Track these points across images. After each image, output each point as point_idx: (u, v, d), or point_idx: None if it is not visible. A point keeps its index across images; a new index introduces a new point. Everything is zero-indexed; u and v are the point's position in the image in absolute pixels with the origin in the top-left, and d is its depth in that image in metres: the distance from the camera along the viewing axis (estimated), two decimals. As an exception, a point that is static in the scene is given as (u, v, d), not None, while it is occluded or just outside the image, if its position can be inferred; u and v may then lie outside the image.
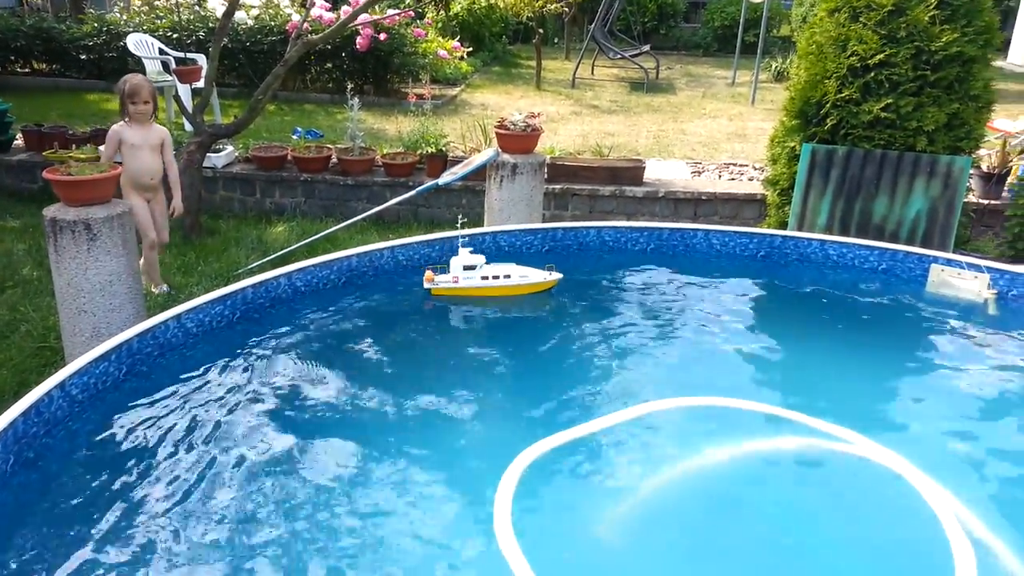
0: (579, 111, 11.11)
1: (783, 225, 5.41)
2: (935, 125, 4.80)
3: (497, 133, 5.41)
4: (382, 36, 10.18)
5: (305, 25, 6.87)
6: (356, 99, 7.27)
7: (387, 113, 10.19)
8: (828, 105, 4.94)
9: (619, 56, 14.23)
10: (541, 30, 13.82)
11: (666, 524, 2.37)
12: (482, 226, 5.32)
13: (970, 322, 3.81)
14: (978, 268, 4.04)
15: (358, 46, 9.58)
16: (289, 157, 7.27)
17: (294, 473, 2.41)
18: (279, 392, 2.85)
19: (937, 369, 3.52)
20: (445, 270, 3.73)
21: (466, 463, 2.60)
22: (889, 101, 4.79)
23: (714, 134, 9.52)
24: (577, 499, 2.43)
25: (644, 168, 6.72)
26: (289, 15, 10.97)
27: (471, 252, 3.77)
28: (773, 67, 13.77)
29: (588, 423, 2.75)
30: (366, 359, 3.20)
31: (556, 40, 18.16)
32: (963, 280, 4.04)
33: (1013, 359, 3.48)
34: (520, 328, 3.64)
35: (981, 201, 5.79)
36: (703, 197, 6.54)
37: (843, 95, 4.86)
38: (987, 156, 6.04)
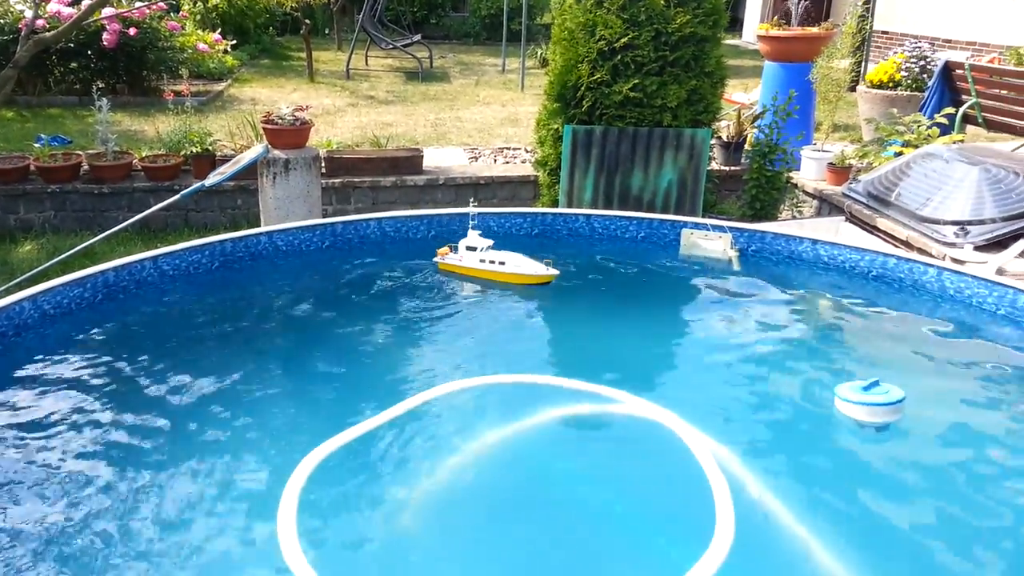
0: (356, 103, 10.97)
1: (555, 203, 5.69)
2: (677, 101, 5.26)
3: (264, 129, 5.23)
4: (131, 31, 9.44)
5: (40, 22, 6.21)
6: (105, 100, 6.70)
7: (145, 113, 9.48)
8: (583, 88, 5.25)
9: (391, 46, 14.18)
10: (308, 21, 13.44)
11: (465, 502, 2.44)
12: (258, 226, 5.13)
13: (718, 278, 4.24)
14: (721, 229, 4.49)
15: (105, 43, 8.81)
16: (32, 167, 6.57)
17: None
18: (25, 417, 2.60)
19: (693, 325, 3.89)
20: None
21: (245, 468, 2.51)
22: (636, 81, 5.18)
23: (488, 120, 9.79)
24: (371, 493, 2.43)
25: (422, 156, 6.78)
26: (21, 12, 9.85)
27: (479, 235, 3.93)
28: (539, 53, 14.35)
29: (371, 418, 2.74)
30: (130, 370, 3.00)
31: (327, 31, 17.75)
32: (710, 241, 4.47)
33: (757, 309, 3.93)
34: (317, 323, 3.57)
35: (723, 168, 6.44)
36: (481, 181, 6.72)
37: (595, 78, 5.19)
38: (725, 127, 6.70)
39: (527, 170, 6.76)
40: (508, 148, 7.78)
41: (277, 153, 5.12)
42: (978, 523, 2.34)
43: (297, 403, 2.91)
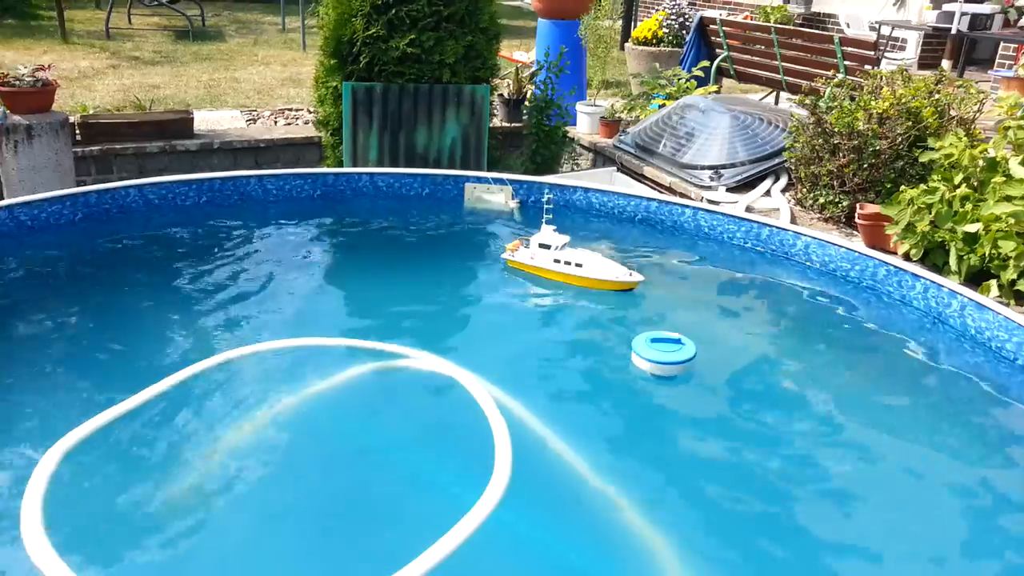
0: (117, 64, 10.03)
1: (340, 164, 5.56)
2: (455, 57, 5.28)
3: (0, 91, 4.66)
4: None
5: None
6: None
7: None
8: (359, 43, 5.14)
9: (156, 3, 13.08)
10: (55, -27, 12.04)
11: (254, 466, 2.37)
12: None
13: (501, 230, 4.36)
14: (501, 182, 4.61)
15: None
16: None
17: None
18: None
19: (475, 278, 3.98)
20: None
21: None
22: (413, 36, 5.14)
23: (268, 81, 9.34)
24: (134, 476, 2.29)
25: (192, 119, 6.35)
26: None
27: (554, 231, 3.47)
28: (320, 12, 13.84)
29: (145, 390, 2.59)
30: None
31: (80, -14, 15.98)
32: (492, 194, 4.59)
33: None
34: (77, 292, 3.26)
35: (506, 125, 6.58)
36: (262, 145, 6.41)
37: (371, 32, 5.09)
38: (506, 85, 6.84)
39: (311, 131, 6.54)
40: (290, 109, 7.47)
41: (17, 119, 4.58)
42: (750, 461, 2.54)
43: (50, 387, 2.67)
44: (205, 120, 6.87)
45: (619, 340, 3.14)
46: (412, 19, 5.17)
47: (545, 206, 3.61)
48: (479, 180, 4.61)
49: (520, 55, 9.03)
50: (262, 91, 8.74)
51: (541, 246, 3.49)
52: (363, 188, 4.57)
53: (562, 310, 3.46)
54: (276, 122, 6.97)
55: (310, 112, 7.23)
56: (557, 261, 3.45)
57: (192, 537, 2.09)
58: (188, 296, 3.35)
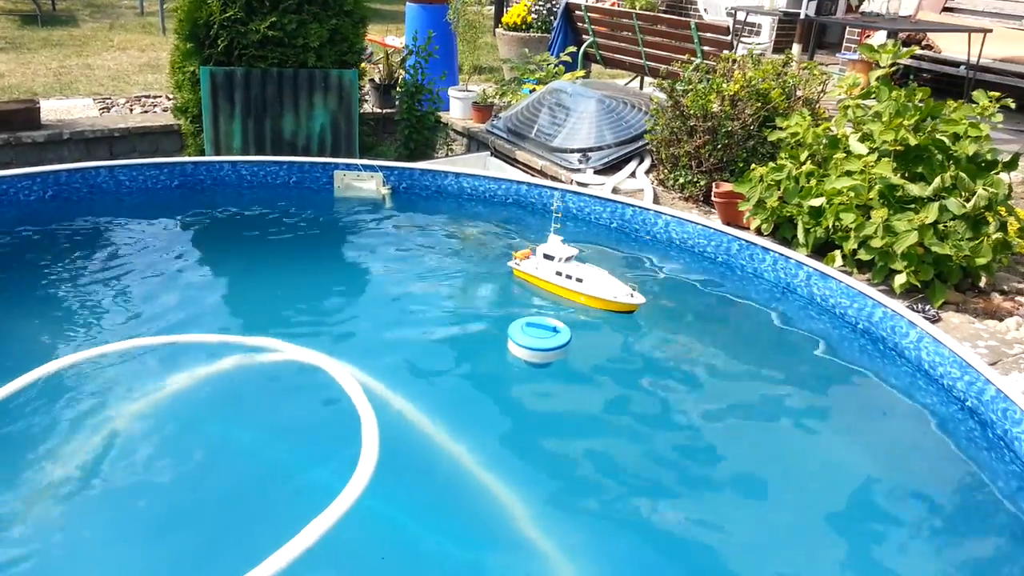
0: (-48, 50, 9.24)
1: (202, 153, 5.34)
2: (320, 41, 5.16)
3: None
4: None
5: None
6: None
7: None
8: (216, 26, 4.93)
9: (-4, -17, 12.10)
10: None
11: (117, 466, 2.26)
12: None
13: (372, 217, 4.31)
14: (372, 168, 4.55)
15: None
16: None
17: None
18: None
19: (345, 268, 3.91)
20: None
21: None
22: (274, 19, 4.98)
23: (124, 67, 8.84)
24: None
25: (39, 108, 5.92)
26: None
27: (562, 241, 3.22)
28: (183, -7, 13.18)
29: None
30: None
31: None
32: (362, 181, 4.52)
33: (413, 243, 4.06)
34: None
35: (379, 111, 6.48)
36: (116, 134, 6.06)
37: (228, 15, 4.89)
38: (377, 70, 6.74)
39: (170, 119, 6.23)
40: (148, 96, 7.09)
41: None
42: (623, 438, 2.63)
43: None
44: (54, 110, 6.43)
45: (495, 327, 3.16)
46: (272, 1, 5.00)
47: (554, 215, 3.44)
48: (349, 167, 4.54)
49: (393, 40, 8.91)
50: (118, 78, 8.26)
51: (545, 257, 3.30)
52: (225, 177, 4.41)
53: (437, 297, 3.46)
54: (132, 110, 6.61)
55: (169, 99, 6.89)
56: (559, 274, 3.26)
57: (50, 537, 2.00)
58: (34, 297, 3.14)
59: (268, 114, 5.24)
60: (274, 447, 2.49)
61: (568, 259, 3.24)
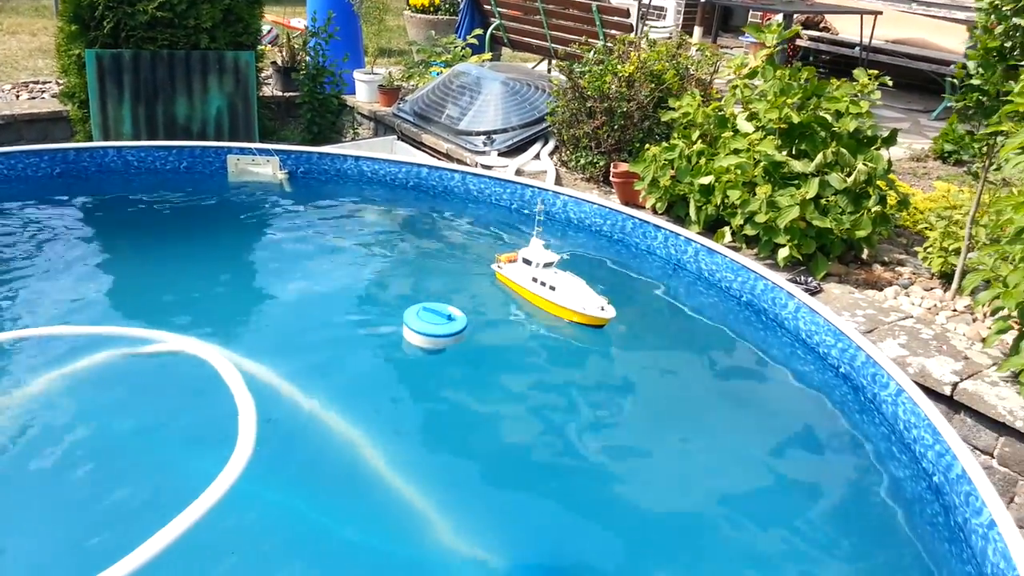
0: None
1: (92, 140, 5.13)
2: (212, 22, 5.00)
3: None
4: None
5: None
6: None
7: None
8: (101, 7, 4.73)
9: None
10: None
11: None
12: None
13: (268, 202, 4.21)
14: (268, 152, 4.44)
15: None
16: None
17: None
18: None
19: (237, 256, 3.80)
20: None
21: None
22: (162, 0, 4.81)
23: (13, 51, 8.41)
24: None
25: (-88, 95, 5.59)
26: None
27: (544, 246, 3.06)
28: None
29: None
30: None
31: None
32: (258, 166, 4.41)
33: (311, 229, 3.98)
34: None
35: (282, 94, 6.34)
36: (0, 122, 5.78)
37: (112, -4, 4.71)
38: (280, 52, 6.58)
39: (58, 105, 5.96)
40: (36, 82, 6.77)
41: None
42: (512, 428, 2.63)
43: None
44: (-71, 96, 6.09)
45: (390, 312, 3.13)
46: (156, -19, 4.83)
47: (536, 217, 3.25)
48: (243, 151, 4.42)
49: (298, 22, 8.72)
50: (5, 63, 7.86)
51: (524, 261, 3.13)
52: (111, 164, 4.24)
53: (330, 282, 3.41)
54: (19, 96, 6.30)
55: (58, 84, 6.59)
56: (534, 280, 3.10)
57: None
58: None
59: (160, 98, 5.07)
60: (152, 438, 2.42)
61: (546, 265, 3.08)
